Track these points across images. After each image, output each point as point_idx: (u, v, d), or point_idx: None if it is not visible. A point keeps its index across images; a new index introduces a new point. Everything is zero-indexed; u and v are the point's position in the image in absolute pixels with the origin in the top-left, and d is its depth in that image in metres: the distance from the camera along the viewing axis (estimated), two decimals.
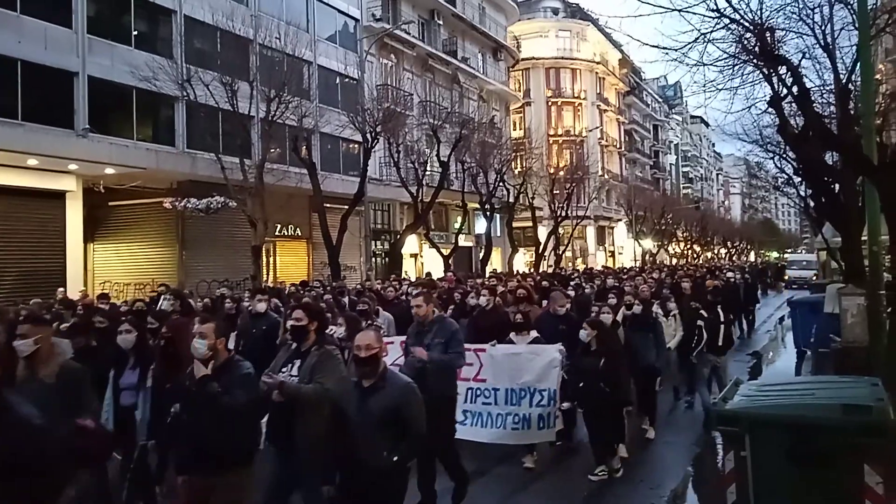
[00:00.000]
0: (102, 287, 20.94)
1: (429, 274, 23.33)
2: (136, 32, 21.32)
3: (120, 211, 22.18)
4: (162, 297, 11.84)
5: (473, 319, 9.12)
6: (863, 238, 10.12)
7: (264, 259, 21.98)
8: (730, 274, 22.36)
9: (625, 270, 25.55)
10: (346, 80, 29.34)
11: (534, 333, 7.83)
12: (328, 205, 22.17)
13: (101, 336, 6.83)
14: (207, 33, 22.40)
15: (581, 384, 7.28)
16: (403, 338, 7.24)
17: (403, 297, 12.10)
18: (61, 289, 14.85)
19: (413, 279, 20.79)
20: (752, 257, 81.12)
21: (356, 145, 27.00)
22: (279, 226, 24.82)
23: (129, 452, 5.75)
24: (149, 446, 5.56)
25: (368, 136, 22.91)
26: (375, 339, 4.56)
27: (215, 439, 4.35)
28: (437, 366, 6.20)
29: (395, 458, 4.26)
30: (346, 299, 12.31)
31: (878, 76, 15.79)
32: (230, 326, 6.98)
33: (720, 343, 9.74)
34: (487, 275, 20.86)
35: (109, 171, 18.97)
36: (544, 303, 10.51)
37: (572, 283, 17.32)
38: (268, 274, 22.84)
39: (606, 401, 7.10)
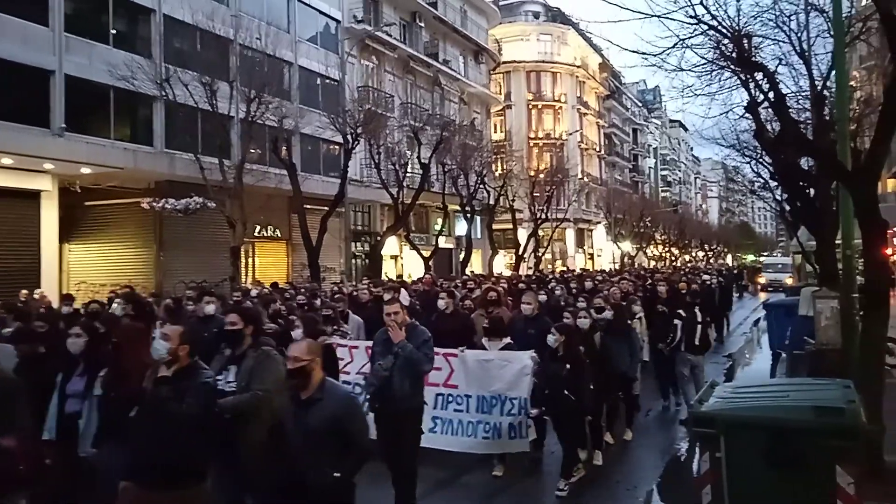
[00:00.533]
0: (78, 288, 20.67)
1: (399, 277, 23.29)
2: (114, 31, 21.10)
3: (96, 211, 21.93)
4: (115, 300, 11.09)
5: (433, 324, 8.52)
6: (837, 242, 10.25)
7: (243, 260, 21.84)
8: (706, 277, 22.19)
9: (603, 273, 25.45)
10: (327, 81, 29.25)
11: (506, 339, 7.67)
12: (308, 206, 22.08)
13: (47, 341, 6.39)
14: (187, 33, 22.22)
15: (546, 391, 7.11)
16: (370, 343, 7.03)
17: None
18: (24, 291, 14.26)
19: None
20: (728, 260, 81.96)
21: (337, 146, 26.92)
22: (258, 227, 24.66)
23: (71, 463, 5.38)
24: (90, 458, 5.17)
25: (349, 137, 22.87)
26: (306, 350, 4.30)
27: (166, 449, 4.07)
28: (407, 358, 5.92)
29: (337, 475, 4.05)
30: (318, 302, 11.98)
31: (852, 83, 16.07)
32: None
33: (697, 343, 9.97)
34: (464, 277, 20.60)
35: (86, 170, 18.75)
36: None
37: (548, 285, 16.56)
38: (247, 275, 22.68)
39: (569, 408, 6.99)
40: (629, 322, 9.43)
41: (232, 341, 5.23)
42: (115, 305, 10.39)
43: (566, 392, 6.90)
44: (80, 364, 5.69)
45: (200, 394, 4.26)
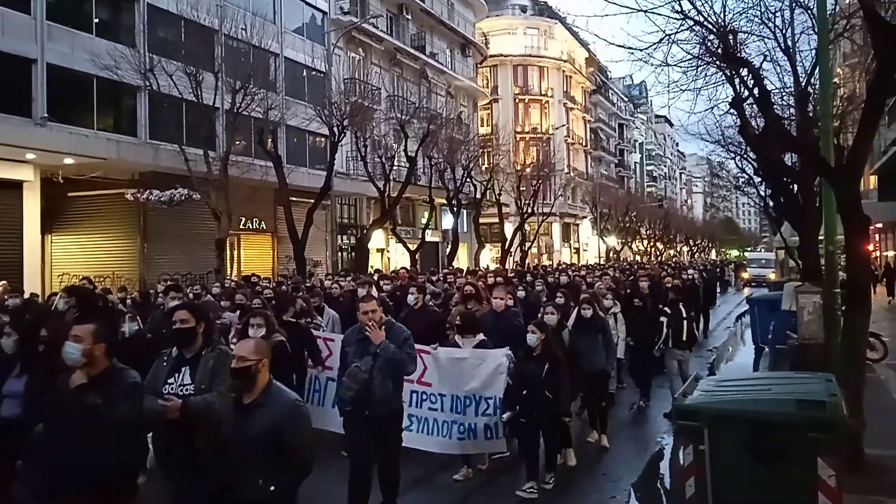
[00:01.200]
0: (60, 280, 20.49)
1: (378, 271, 23.11)
2: (97, 20, 20.84)
3: (79, 202, 21.70)
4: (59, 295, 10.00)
5: (401, 321, 8.15)
6: (819, 237, 10.36)
7: (228, 252, 21.72)
8: (691, 271, 21.89)
9: (587, 267, 25.30)
10: (313, 72, 29.09)
11: (479, 336, 7.33)
12: (294, 198, 21.98)
13: None
14: (171, 22, 22.01)
15: (524, 391, 6.71)
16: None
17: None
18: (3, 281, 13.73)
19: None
20: (713, 255, 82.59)
21: (323, 139, 26.81)
22: (244, 219, 24.52)
23: (8, 471, 5.14)
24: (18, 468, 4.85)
25: (335, 129, 22.77)
26: (253, 349, 3.97)
27: (93, 459, 3.73)
28: (389, 359, 5.70)
29: (273, 489, 3.74)
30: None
31: (835, 80, 16.22)
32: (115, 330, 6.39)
33: (684, 339, 10.05)
34: (445, 271, 20.39)
35: (69, 160, 18.56)
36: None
37: (527, 280, 15.81)
38: (232, 267, 22.58)
39: (549, 410, 6.68)
40: (604, 317, 9.02)
41: (182, 340, 4.75)
42: (57, 299, 9.43)
43: (546, 393, 6.60)
44: (16, 364, 5.42)
45: (129, 396, 3.93)
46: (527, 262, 35.74)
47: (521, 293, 11.09)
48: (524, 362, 6.85)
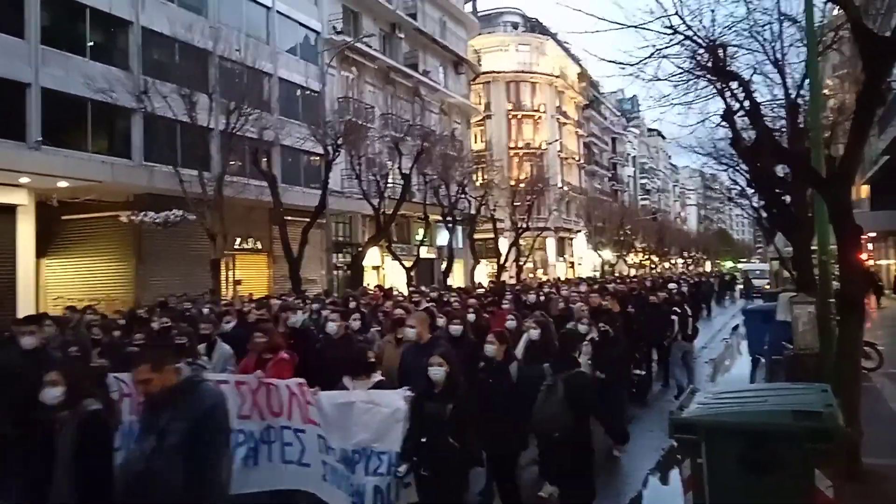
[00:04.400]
0: (55, 304, 20.39)
1: (380, 286, 22.83)
2: (91, 43, 20.94)
3: (74, 225, 21.68)
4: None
5: (319, 352, 7.56)
6: (813, 247, 10.41)
7: (224, 273, 21.69)
8: (672, 285, 18.74)
9: (559, 282, 24.01)
10: (307, 92, 29.23)
11: (376, 377, 6.01)
12: (289, 218, 21.99)
13: None
14: (165, 45, 22.10)
15: (423, 439, 5.41)
16: (244, 378, 6.26)
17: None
18: None
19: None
20: (707, 266, 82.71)
21: (317, 158, 26.87)
22: (239, 239, 24.51)
23: None
24: None
25: (330, 148, 22.84)
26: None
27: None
28: (176, 444, 3.82)
29: None
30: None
31: (825, 91, 16.35)
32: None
33: (689, 332, 12.37)
34: (409, 290, 19.59)
35: (63, 184, 18.55)
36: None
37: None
38: (227, 288, 22.53)
39: (452, 460, 5.33)
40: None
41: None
42: None
43: (450, 439, 5.28)
44: None
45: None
46: (522, 276, 35.78)
47: (471, 316, 9.66)
48: (424, 401, 5.53)
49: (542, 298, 14.66)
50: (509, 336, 7.05)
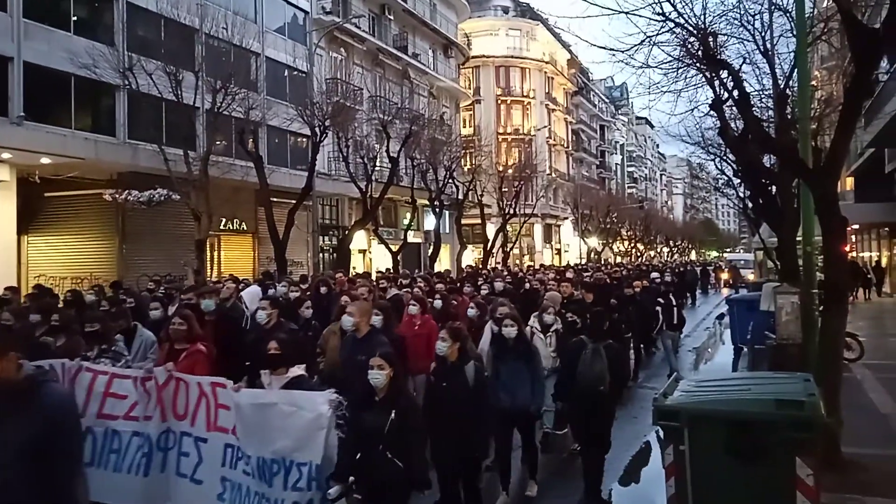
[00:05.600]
0: (36, 281, 20.19)
1: (376, 271, 22.69)
2: (75, 18, 20.58)
3: (56, 202, 21.42)
4: None
5: (250, 345, 6.87)
6: (798, 238, 10.47)
7: (208, 254, 21.53)
8: (655, 274, 19.29)
9: (540, 270, 22.87)
10: (295, 72, 28.96)
11: (296, 370, 5.17)
12: (275, 199, 21.84)
13: None
14: (151, 21, 21.79)
15: (358, 454, 4.71)
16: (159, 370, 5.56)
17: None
18: None
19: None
20: (693, 256, 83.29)
21: (304, 139, 26.68)
22: (224, 220, 24.34)
23: None
24: None
25: (317, 129, 22.67)
26: None
27: None
28: None
29: None
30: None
31: (813, 82, 16.40)
32: None
33: (675, 322, 13.10)
34: (378, 274, 18.94)
35: (45, 160, 18.29)
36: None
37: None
38: (212, 269, 22.39)
39: (392, 480, 4.67)
40: (530, 340, 7.21)
41: None
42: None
43: (389, 455, 4.61)
44: None
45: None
46: (509, 262, 35.85)
47: (438, 302, 9.68)
48: (361, 411, 4.83)
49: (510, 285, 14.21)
50: (469, 325, 7.06)
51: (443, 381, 5.79)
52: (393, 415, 4.66)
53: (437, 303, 9.42)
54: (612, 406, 6.94)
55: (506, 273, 20.15)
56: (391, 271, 21.56)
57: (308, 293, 10.73)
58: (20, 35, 18.72)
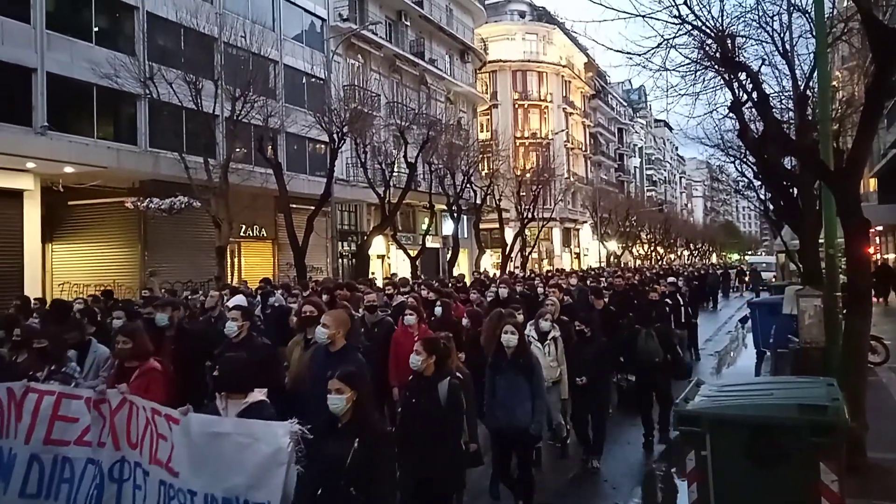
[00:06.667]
0: (61, 289, 20.49)
1: (393, 275, 22.48)
2: (96, 28, 20.91)
3: (80, 210, 21.72)
4: None
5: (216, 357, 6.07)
6: (820, 241, 10.35)
7: (229, 260, 21.71)
8: (671, 279, 17.12)
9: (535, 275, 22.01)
10: (313, 79, 29.15)
11: (257, 395, 4.54)
12: (294, 205, 21.98)
13: None
14: (171, 30, 22.06)
15: (318, 490, 4.10)
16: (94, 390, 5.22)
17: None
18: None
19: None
20: (714, 259, 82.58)
21: (323, 145, 26.83)
22: (244, 226, 24.53)
23: None
24: None
25: (335, 136, 22.78)
26: None
27: None
28: None
29: None
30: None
31: (834, 83, 16.23)
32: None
33: (682, 321, 13.19)
34: (383, 282, 17.42)
35: (69, 169, 18.56)
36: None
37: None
38: (232, 275, 22.56)
39: None
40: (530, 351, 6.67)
41: None
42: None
43: (352, 490, 4.01)
44: None
45: None
46: (527, 267, 35.77)
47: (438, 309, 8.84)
48: (321, 440, 4.18)
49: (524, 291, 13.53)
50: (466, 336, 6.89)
51: (413, 398, 5.29)
52: (356, 444, 4.03)
53: (437, 310, 8.77)
54: (668, 371, 8.79)
55: (519, 277, 19.84)
56: (396, 276, 20.87)
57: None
58: (43, 46, 19.04)
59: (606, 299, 11.30)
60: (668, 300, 12.93)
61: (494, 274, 26.57)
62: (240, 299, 9.23)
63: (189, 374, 6.39)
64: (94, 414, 5.02)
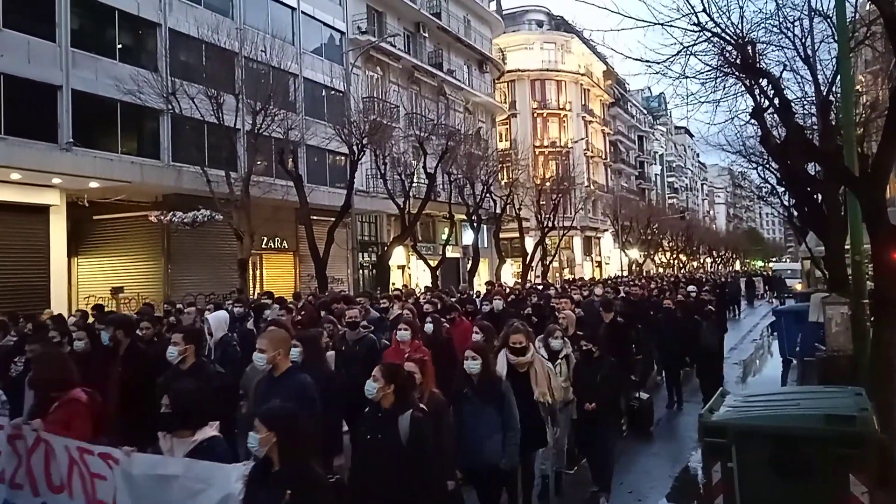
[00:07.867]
0: (86, 302, 20.71)
1: (405, 286, 22.55)
2: (120, 45, 21.26)
3: (104, 225, 22.04)
4: None
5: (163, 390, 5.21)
6: (846, 247, 10.20)
7: (251, 272, 21.87)
8: (692, 288, 16.87)
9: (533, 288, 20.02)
10: (332, 92, 29.37)
11: (206, 432, 4.04)
12: (315, 217, 22.12)
13: None
14: (192, 46, 22.35)
15: None
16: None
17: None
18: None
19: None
20: (737, 266, 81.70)
21: (343, 157, 26.98)
22: (266, 238, 24.72)
23: None
24: None
25: (355, 148, 22.91)
26: None
27: None
28: None
29: None
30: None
31: (858, 87, 16.02)
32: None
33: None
34: (381, 294, 16.08)
35: (94, 184, 18.86)
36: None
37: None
38: (254, 287, 22.72)
39: None
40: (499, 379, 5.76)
41: None
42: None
43: None
44: None
45: None
46: (548, 276, 35.61)
47: (429, 326, 8.01)
48: (257, 486, 3.64)
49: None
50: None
51: (368, 434, 4.55)
52: (287, 497, 3.41)
53: (428, 327, 7.93)
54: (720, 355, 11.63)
55: (528, 288, 19.39)
56: (394, 285, 20.02)
57: (299, 316, 9.55)
58: (68, 64, 19.38)
59: (616, 310, 10.33)
60: (697, 317, 11.73)
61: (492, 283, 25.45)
62: (219, 316, 8.34)
63: (136, 402, 5.66)
64: (7, 450, 4.53)
